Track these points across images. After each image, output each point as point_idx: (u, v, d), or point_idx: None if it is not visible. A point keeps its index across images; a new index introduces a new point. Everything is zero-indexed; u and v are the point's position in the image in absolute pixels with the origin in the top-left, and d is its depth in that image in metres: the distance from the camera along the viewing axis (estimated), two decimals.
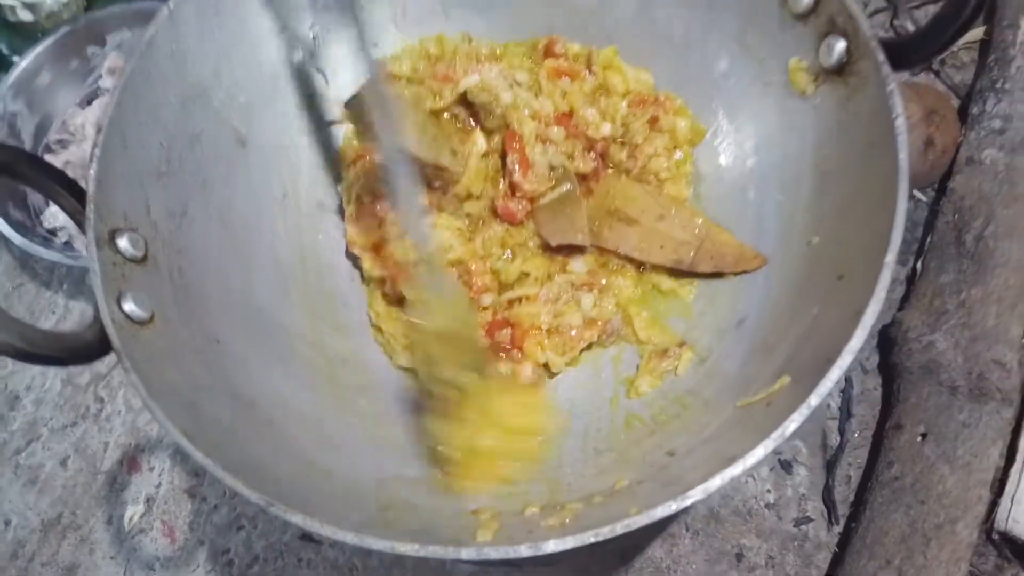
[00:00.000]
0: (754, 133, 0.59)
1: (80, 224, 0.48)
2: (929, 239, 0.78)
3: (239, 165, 0.59)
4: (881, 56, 0.47)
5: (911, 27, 0.90)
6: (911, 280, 0.78)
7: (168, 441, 0.79)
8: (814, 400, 0.39)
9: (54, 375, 0.85)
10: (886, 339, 0.75)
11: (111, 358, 0.45)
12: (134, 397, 0.82)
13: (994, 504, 0.66)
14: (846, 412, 0.73)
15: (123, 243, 0.48)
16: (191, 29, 0.55)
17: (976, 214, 0.75)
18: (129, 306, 0.47)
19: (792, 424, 0.39)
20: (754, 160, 0.59)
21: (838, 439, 0.73)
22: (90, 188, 0.48)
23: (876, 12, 0.93)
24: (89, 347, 0.45)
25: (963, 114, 0.83)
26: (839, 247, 0.49)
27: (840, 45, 0.50)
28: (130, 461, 0.80)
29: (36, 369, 0.85)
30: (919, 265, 0.78)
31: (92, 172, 0.48)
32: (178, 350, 0.49)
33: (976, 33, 0.88)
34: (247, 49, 0.59)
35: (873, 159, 0.47)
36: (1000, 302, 0.70)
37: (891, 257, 0.42)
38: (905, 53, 0.48)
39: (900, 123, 0.45)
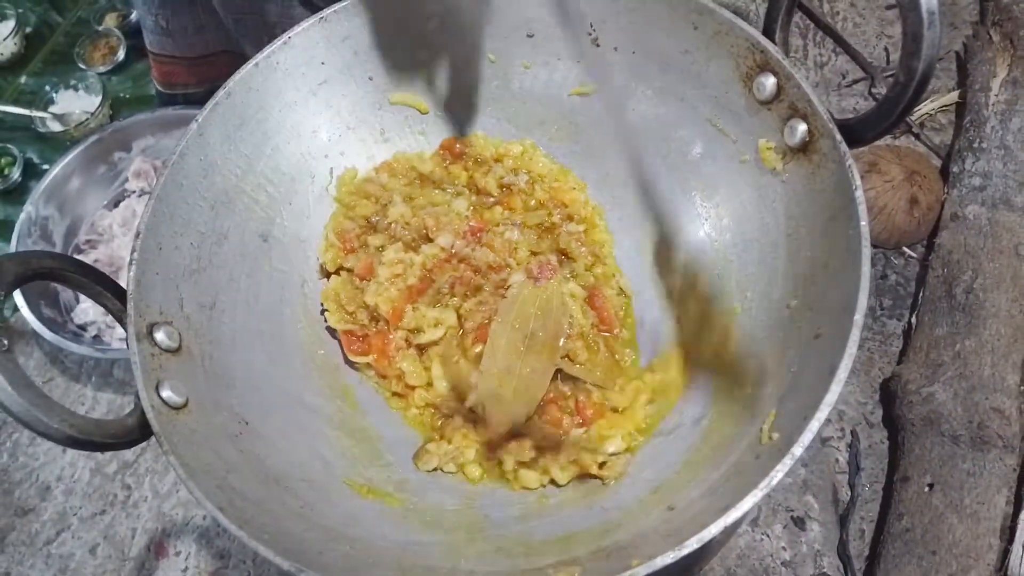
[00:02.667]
0: (731, 209, 0.62)
1: (121, 321, 0.52)
2: (921, 294, 0.80)
3: (262, 258, 0.64)
4: (838, 135, 0.52)
5: None
6: (907, 334, 0.79)
7: (194, 525, 0.81)
8: (797, 450, 0.42)
9: (83, 465, 0.87)
10: (887, 392, 0.76)
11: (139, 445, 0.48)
12: (160, 483, 0.85)
13: (1006, 552, 0.66)
14: (855, 466, 0.74)
15: (160, 336, 0.52)
16: (217, 141, 0.60)
17: (964, 268, 0.77)
18: (166, 393, 0.50)
19: (778, 474, 0.42)
20: (732, 233, 0.62)
21: (849, 493, 0.73)
22: (130, 288, 0.52)
23: (855, 81, 0.97)
24: (131, 432, 0.48)
25: (945, 173, 0.86)
26: (814, 308, 0.52)
27: (802, 127, 0.54)
28: (157, 546, 0.81)
29: (66, 459, 0.88)
30: (914, 319, 0.79)
31: (131, 274, 0.52)
32: (211, 432, 0.52)
33: (952, 97, 0.92)
34: (268, 155, 0.64)
35: (838, 226, 0.51)
36: (994, 352, 0.71)
37: (859, 316, 0.45)
38: (860, 131, 0.52)
39: (859, 194, 0.49)
